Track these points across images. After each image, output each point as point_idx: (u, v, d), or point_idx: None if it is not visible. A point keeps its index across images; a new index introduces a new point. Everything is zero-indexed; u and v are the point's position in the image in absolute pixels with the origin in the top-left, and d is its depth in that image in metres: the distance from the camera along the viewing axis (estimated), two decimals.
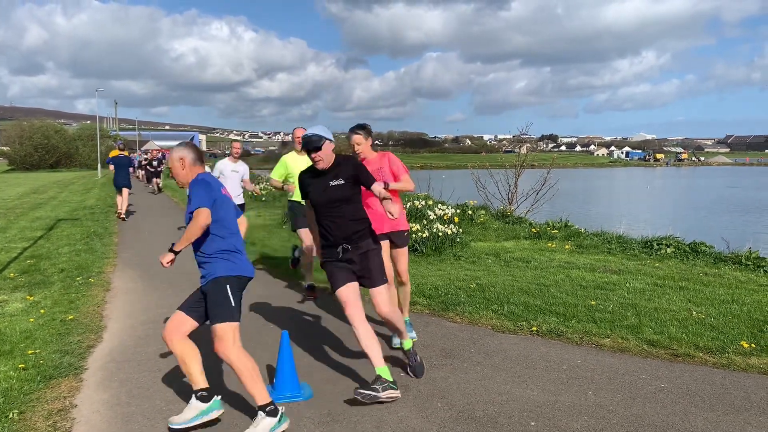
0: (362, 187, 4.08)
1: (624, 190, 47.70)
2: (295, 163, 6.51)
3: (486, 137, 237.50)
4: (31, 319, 5.75)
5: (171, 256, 3.52)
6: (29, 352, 4.82)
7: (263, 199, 18.69)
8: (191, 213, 3.43)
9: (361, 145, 4.80)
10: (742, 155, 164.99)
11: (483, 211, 12.94)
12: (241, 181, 9.08)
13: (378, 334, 5.12)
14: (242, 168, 8.98)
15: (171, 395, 4.09)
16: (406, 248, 4.98)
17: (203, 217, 3.36)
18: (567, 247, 9.54)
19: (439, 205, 12.38)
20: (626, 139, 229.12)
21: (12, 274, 7.90)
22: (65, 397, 4.03)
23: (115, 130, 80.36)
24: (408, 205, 12.26)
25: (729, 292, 6.34)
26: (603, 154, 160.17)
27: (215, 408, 3.52)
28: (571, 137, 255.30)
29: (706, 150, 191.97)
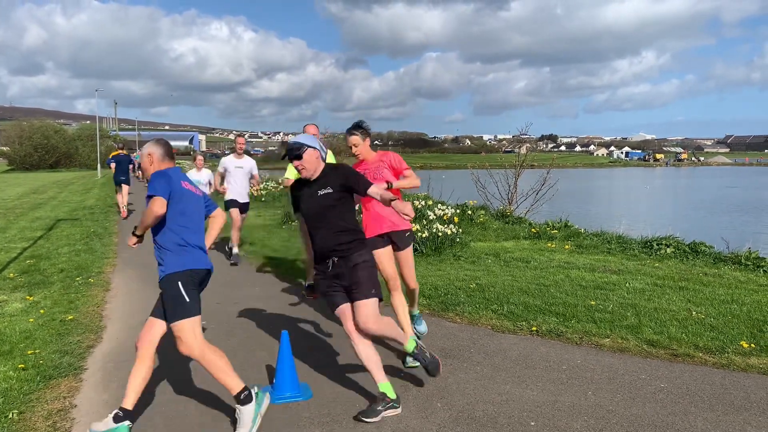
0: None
1: (624, 190, 47.71)
2: None
3: (486, 137, 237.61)
4: (31, 320, 5.75)
5: (135, 239, 3.61)
6: (29, 352, 4.82)
7: (263, 199, 18.70)
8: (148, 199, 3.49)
9: (359, 146, 4.61)
10: (742, 155, 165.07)
11: (483, 211, 12.94)
12: (251, 178, 8.87)
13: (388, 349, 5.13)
14: (248, 164, 8.71)
15: (170, 395, 4.09)
16: (409, 249, 4.72)
17: (156, 205, 3.39)
18: (567, 247, 9.54)
19: (439, 205, 12.37)
20: (626, 139, 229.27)
21: (12, 274, 7.90)
22: (65, 397, 4.03)
23: (114, 130, 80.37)
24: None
25: (729, 292, 6.34)
26: (603, 154, 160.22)
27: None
28: (570, 137, 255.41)
29: (705, 150, 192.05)
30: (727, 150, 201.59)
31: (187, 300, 3.46)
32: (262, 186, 16.65)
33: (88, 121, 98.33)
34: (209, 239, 3.87)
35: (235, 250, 8.78)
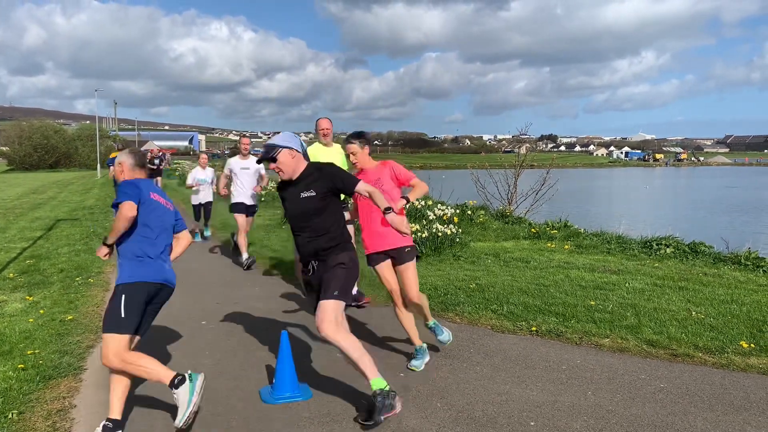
0: (360, 200, 3.97)
1: (623, 190, 47.71)
2: (320, 155, 6.06)
3: (485, 137, 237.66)
4: (31, 320, 5.75)
5: (105, 249, 3.54)
6: (28, 352, 4.82)
7: (262, 199, 18.69)
8: (115, 207, 3.49)
9: (357, 154, 4.48)
10: (742, 155, 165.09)
11: (482, 212, 12.94)
12: (260, 178, 8.67)
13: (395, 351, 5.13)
14: (254, 164, 8.48)
15: (170, 396, 4.08)
16: (410, 264, 4.42)
17: (126, 208, 3.40)
18: (566, 247, 9.54)
19: (439, 205, 12.37)
20: (625, 139, 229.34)
21: (11, 275, 7.89)
22: (64, 397, 4.03)
23: (114, 131, 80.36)
24: (408, 206, 12.25)
25: (728, 292, 6.34)
26: (602, 154, 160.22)
27: None
28: (570, 137, 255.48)
29: (705, 150, 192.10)
30: (727, 150, 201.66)
31: (122, 316, 3.42)
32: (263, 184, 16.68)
33: (87, 121, 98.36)
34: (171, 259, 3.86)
35: (245, 255, 8.50)
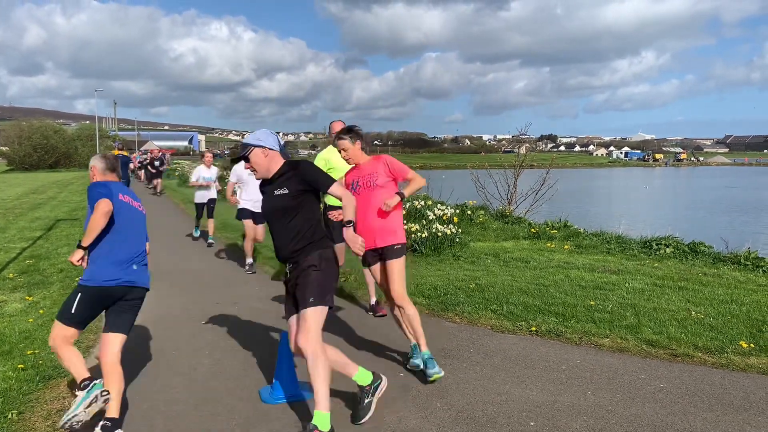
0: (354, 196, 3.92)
1: (623, 190, 47.72)
2: (336, 159, 5.86)
3: (485, 137, 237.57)
4: (30, 320, 5.75)
5: (80, 253, 3.56)
6: (28, 352, 4.82)
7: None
8: (92, 208, 3.56)
9: (348, 150, 4.31)
10: (741, 155, 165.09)
11: (482, 212, 12.95)
12: None
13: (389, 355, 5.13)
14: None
15: (170, 396, 4.09)
16: (396, 261, 4.24)
17: (103, 204, 3.49)
18: (566, 247, 9.54)
19: (439, 205, 12.38)
20: (625, 139, 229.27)
21: (11, 275, 7.89)
22: (64, 397, 4.03)
23: (114, 131, 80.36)
24: (407, 206, 12.27)
25: (728, 292, 6.35)
26: (602, 154, 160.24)
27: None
28: (570, 137, 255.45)
29: (705, 150, 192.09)
30: (727, 150, 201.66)
31: (72, 311, 3.56)
32: None
33: (87, 122, 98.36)
34: None
35: (249, 260, 8.40)
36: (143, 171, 29.21)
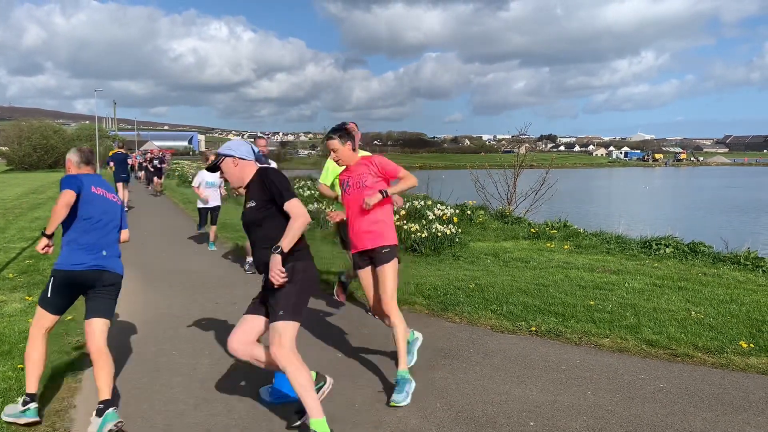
0: (345, 197, 3.85)
1: (623, 190, 47.73)
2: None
3: (485, 137, 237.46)
4: (30, 320, 5.71)
5: (44, 241, 3.70)
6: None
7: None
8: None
9: (338, 150, 4.09)
10: (741, 155, 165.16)
11: (482, 212, 12.95)
12: None
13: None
14: (273, 166, 8.20)
15: (170, 396, 4.09)
16: (386, 267, 4.00)
17: (66, 195, 3.65)
18: (566, 247, 9.54)
19: (438, 205, 12.39)
20: (625, 139, 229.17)
21: (11, 275, 7.89)
22: (64, 397, 4.03)
23: (114, 131, 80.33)
24: (407, 205, 12.27)
25: (728, 292, 6.35)
26: (602, 154, 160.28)
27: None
28: (569, 137, 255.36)
29: (704, 150, 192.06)
30: (726, 150, 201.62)
31: (48, 296, 3.74)
32: None
33: (87, 122, 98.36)
34: None
35: (249, 259, 8.28)
36: (143, 171, 29.21)
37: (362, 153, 5.71)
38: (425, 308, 6.06)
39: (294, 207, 3.29)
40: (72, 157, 4.03)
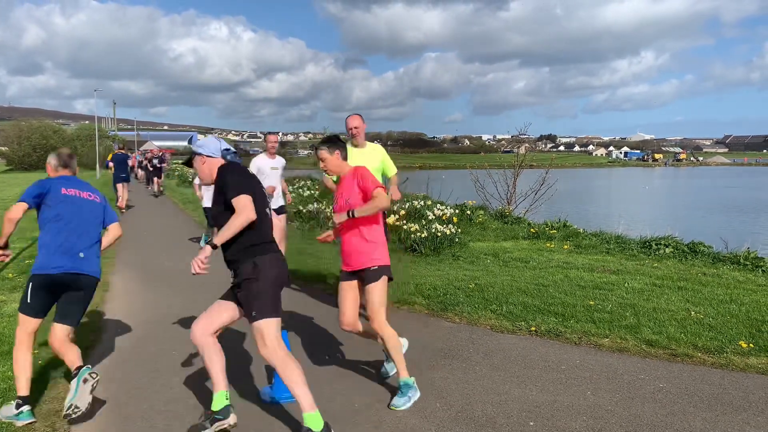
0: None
1: (622, 190, 47.73)
2: (352, 158, 5.15)
3: (485, 137, 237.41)
4: None
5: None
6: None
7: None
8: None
9: (326, 160, 4.00)
10: (741, 155, 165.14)
11: (482, 212, 12.96)
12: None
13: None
14: (281, 163, 7.69)
15: (170, 395, 4.09)
16: (374, 285, 3.92)
17: (14, 209, 3.82)
18: (566, 247, 9.55)
19: (438, 205, 12.40)
20: (625, 139, 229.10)
21: (10, 275, 7.89)
22: (64, 397, 4.02)
23: (113, 131, 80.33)
24: (407, 205, 12.28)
25: (727, 292, 6.35)
26: (601, 154, 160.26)
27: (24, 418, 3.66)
28: (569, 137, 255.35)
29: (704, 150, 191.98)
30: (726, 150, 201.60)
31: (28, 300, 3.80)
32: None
33: (86, 122, 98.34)
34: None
35: None
36: (143, 171, 29.18)
37: (370, 145, 5.72)
38: (425, 308, 6.06)
39: (237, 203, 3.29)
40: (50, 160, 4.15)
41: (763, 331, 5.01)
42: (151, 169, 24.92)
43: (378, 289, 3.93)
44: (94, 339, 5.31)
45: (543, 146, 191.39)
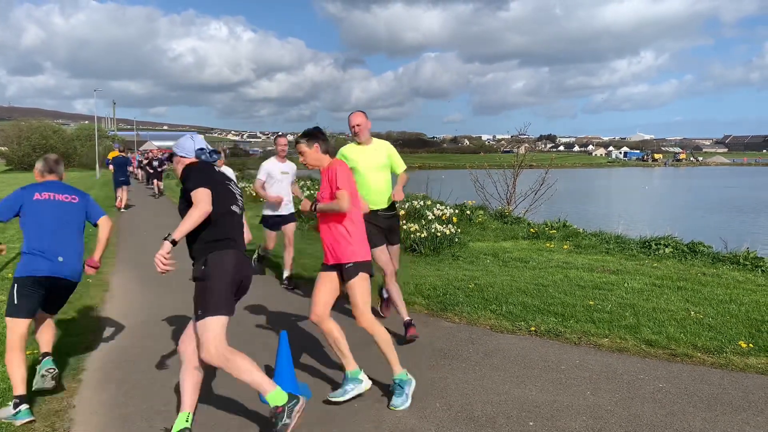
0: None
1: (622, 190, 47.74)
2: (356, 155, 5.28)
3: (484, 137, 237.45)
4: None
5: None
6: (27, 352, 4.79)
7: (261, 199, 18.67)
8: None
9: (305, 153, 3.95)
10: (740, 155, 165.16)
11: (481, 212, 12.96)
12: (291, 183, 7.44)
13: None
14: (292, 168, 7.42)
15: (169, 395, 4.09)
16: (354, 282, 3.86)
17: None
18: (565, 247, 9.55)
19: (438, 205, 12.39)
20: (624, 139, 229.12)
21: (10, 275, 7.88)
22: (63, 397, 4.03)
23: (113, 131, 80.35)
24: (407, 205, 12.27)
25: (727, 292, 6.35)
26: (601, 154, 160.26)
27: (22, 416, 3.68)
28: (569, 137, 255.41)
29: (704, 150, 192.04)
30: (726, 150, 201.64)
31: (15, 302, 3.86)
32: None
33: (86, 122, 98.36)
34: (98, 251, 4.28)
35: (286, 272, 7.41)
36: (142, 171, 29.16)
37: (376, 141, 5.66)
38: (424, 308, 6.06)
39: (195, 195, 3.30)
40: (37, 166, 4.24)
41: (763, 331, 5.01)
42: (150, 171, 24.88)
43: (357, 287, 3.85)
44: (94, 339, 5.31)
45: (543, 146, 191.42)
